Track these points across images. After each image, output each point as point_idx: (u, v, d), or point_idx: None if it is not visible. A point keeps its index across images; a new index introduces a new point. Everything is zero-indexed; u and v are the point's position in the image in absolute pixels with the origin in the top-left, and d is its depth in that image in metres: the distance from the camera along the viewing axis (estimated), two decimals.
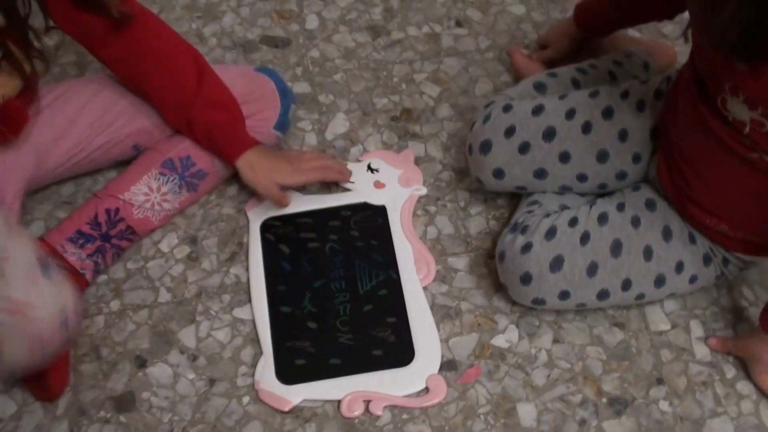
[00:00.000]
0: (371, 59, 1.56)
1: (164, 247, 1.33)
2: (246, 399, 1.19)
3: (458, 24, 1.61)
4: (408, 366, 1.21)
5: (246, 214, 1.35)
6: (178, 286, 1.29)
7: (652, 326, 1.26)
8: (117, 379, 1.20)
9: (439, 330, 1.25)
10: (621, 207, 1.21)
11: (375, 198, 1.36)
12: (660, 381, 1.22)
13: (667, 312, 1.28)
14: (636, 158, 1.24)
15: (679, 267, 1.18)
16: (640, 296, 1.20)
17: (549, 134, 1.23)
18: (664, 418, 1.18)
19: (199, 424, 1.17)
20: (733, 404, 1.20)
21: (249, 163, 1.27)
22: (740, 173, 1.07)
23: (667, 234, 1.18)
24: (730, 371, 1.23)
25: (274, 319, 1.24)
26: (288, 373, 1.20)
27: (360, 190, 1.37)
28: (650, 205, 1.21)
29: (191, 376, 1.21)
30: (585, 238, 1.17)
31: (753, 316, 1.27)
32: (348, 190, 1.37)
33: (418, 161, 1.42)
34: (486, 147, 1.25)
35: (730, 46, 0.94)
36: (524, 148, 1.24)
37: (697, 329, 1.26)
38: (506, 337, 1.25)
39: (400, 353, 1.22)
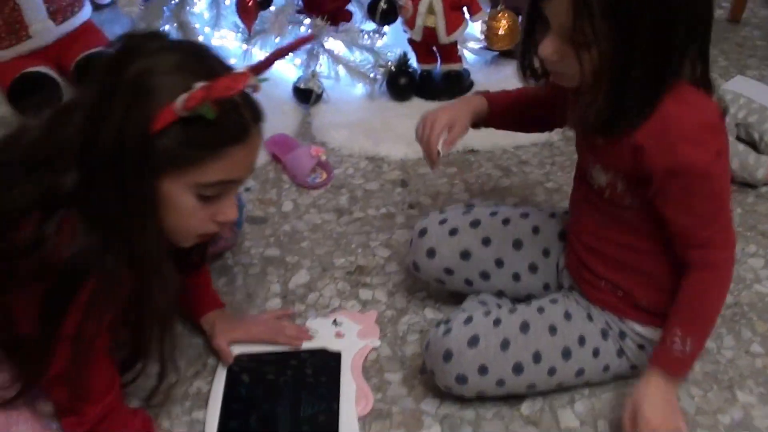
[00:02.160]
0: (334, 232, 1.83)
1: None
2: None
3: (411, 207, 1.89)
4: None
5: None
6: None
7: (563, 423, 1.39)
8: None
9: (366, 428, 1.38)
10: (528, 302, 1.43)
11: (333, 345, 1.53)
12: None
13: (577, 413, 1.41)
14: (545, 253, 1.49)
15: (582, 340, 1.36)
16: (552, 371, 1.35)
17: (475, 223, 1.51)
18: None
19: None
20: None
21: (209, 322, 1.51)
22: (610, 229, 1.34)
23: (567, 315, 1.38)
24: None
25: (223, 416, 1.40)
26: None
27: (322, 338, 1.55)
28: (553, 300, 1.42)
29: None
30: (497, 322, 1.37)
31: None
32: (312, 338, 1.55)
33: (366, 304, 1.63)
34: (423, 232, 1.52)
35: (594, 130, 1.23)
36: (453, 232, 1.50)
37: (602, 425, 1.38)
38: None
39: None
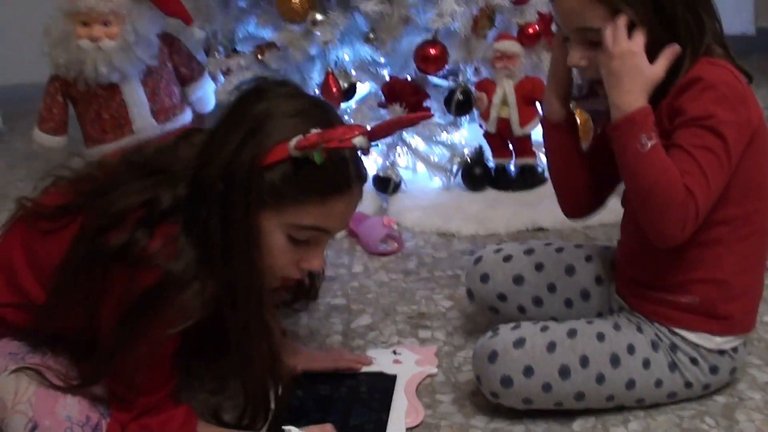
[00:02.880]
0: (400, 288, 1.87)
1: None
2: None
3: None
4: None
5: None
6: None
7: None
8: None
9: None
10: (578, 317, 1.43)
11: (390, 370, 1.55)
12: None
13: (630, 430, 1.36)
14: (598, 280, 1.50)
15: (630, 348, 1.34)
16: (600, 378, 1.32)
17: (529, 251, 1.54)
18: None
19: None
20: None
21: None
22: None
23: (616, 326, 1.37)
24: None
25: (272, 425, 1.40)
26: None
27: (380, 365, 1.57)
28: (602, 317, 1.43)
29: None
30: (545, 328, 1.37)
31: None
32: (371, 363, 1.57)
33: (424, 342, 1.65)
34: (478, 260, 1.56)
35: None
36: (507, 259, 1.53)
37: None
38: None
39: None
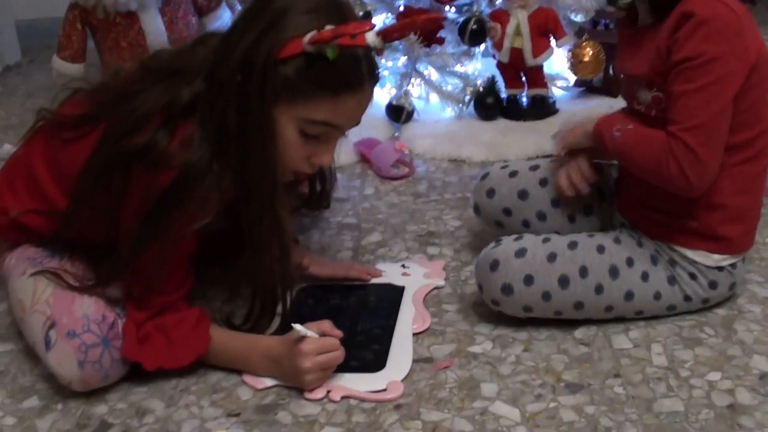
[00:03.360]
0: (410, 209, 1.91)
1: None
2: None
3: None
4: (375, 372, 1.35)
5: None
6: None
7: (615, 345, 1.39)
8: None
9: (420, 342, 1.42)
10: (581, 232, 1.46)
11: (398, 281, 1.59)
12: (617, 375, 1.31)
13: (630, 338, 1.40)
14: (601, 196, 1.54)
15: (630, 261, 1.38)
16: (599, 289, 1.36)
17: (534, 167, 1.58)
18: (617, 397, 1.27)
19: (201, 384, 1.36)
20: (684, 391, 1.27)
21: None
22: None
23: (617, 240, 1.41)
24: (685, 372, 1.31)
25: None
26: None
27: (389, 277, 1.61)
28: (604, 231, 1.47)
29: None
30: (546, 239, 1.40)
31: (713, 345, 1.37)
32: (381, 275, 1.61)
33: (432, 258, 1.69)
34: (485, 176, 1.61)
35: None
36: (513, 174, 1.57)
37: (657, 348, 1.37)
38: (481, 347, 1.40)
39: (373, 365, 1.37)
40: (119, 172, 1.25)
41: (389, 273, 1.62)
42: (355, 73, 1.22)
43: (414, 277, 1.61)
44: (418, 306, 1.51)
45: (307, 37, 1.18)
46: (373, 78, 1.27)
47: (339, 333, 1.33)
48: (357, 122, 1.31)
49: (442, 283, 1.59)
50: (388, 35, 1.20)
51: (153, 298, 1.33)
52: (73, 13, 2.48)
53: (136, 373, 1.35)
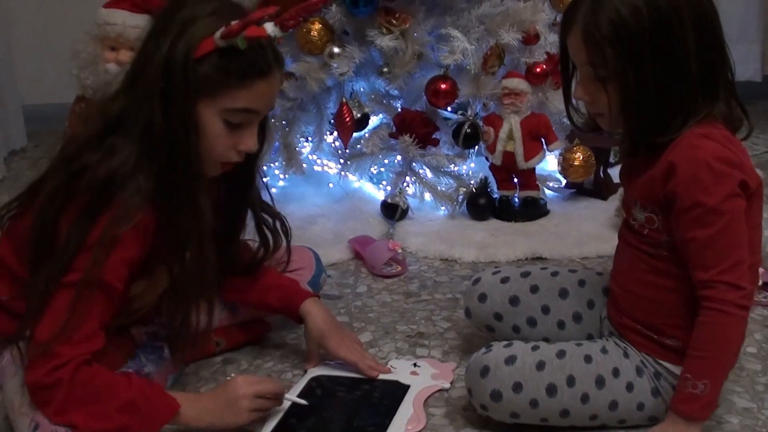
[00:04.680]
0: (401, 308, 1.95)
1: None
2: None
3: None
4: None
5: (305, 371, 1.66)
6: None
7: None
8: None
9: None
10: (570, 339, 1.52)
11: (405, 380, 1.63)
12: None
13: None
14: (590, 304, 1.57)
15: (616, 372, 1.41)
16: (585, 398, 1.39)
17: (525, 274, 1.62)
18: None
19: None
20: None
21: (307, 311, 1.64)
22: (642, 271, 1.41)
23: (604, 350, 1.45)
24: None
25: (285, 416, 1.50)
26: None
27: (398, 374, 1.65)
28: (592, 340, 1.51)
29: None
30: (535, 347, 1.44)
31: None
32: (390, 372, 1.65)
33: (420, 358, 1.73)
34: (477, 281, 1.65)
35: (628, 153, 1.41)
36: (505, 280, 1.61)
37: None
38: None
39: None
40: (61, 197, 1.34)
41: (399, 370, 1.66)
42: (264, 60, 1.37)
43: (422, 377, 1.64)
44: (417, 407, 1.54)
45: (218, 33, 1.32)
46: (279, 63, 1.43)
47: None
48: (272, 105, 1.49)
49: (447, 385, 1.62)
50: (285, 24, 1.35)
51: (66, 349, 1.30)
52: (78, 106, 2.55)
53: None
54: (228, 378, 1.47)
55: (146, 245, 1.39)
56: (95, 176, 1.32)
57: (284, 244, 1.69)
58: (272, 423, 1.48)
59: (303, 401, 1.45)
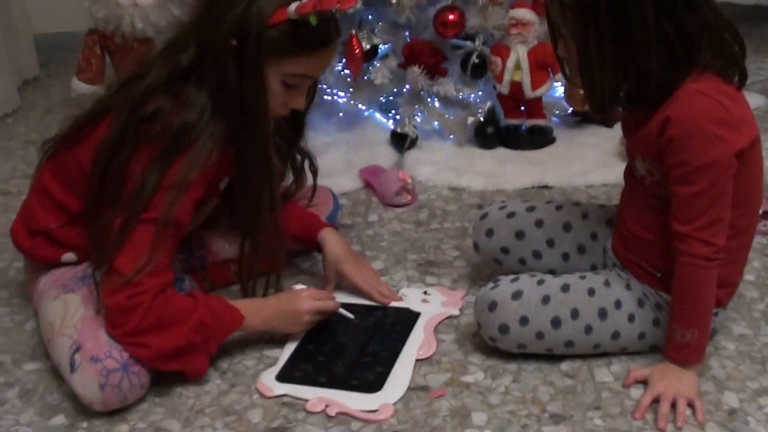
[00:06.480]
0: (411, 237, 2.02)
1: None
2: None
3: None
4: (372, 393, 1.47)
5: None
6: None
7: (598, 378, 1.50)
8: None
9: (417, 370, 1.53)
10: (574, 270, 1.59)
11: (416, 307, 1.71)
12: (597, 408, 1.42)
13: (612, 371, 1.51)
14: (593, 236, 1.64)
15: (618, 304, 1.49)
16: (588, 329, 1.47)
17: (530, 209, 1.68)
18: (596, 429, 1.37)
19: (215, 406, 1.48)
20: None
21: (325, 239, 1.74)
22: (649, 216, 1.47)
23: (606, 283, 1.51)
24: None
25: (302, 342, 1.60)
26: (285, 377, 1.51)
27: (409, 302, 1.73)
28: (596, 272, 1.58)
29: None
30: (541, 282, 1.51)
31: None
32: (401, 300, 1.74)
33: (430, 286, 1.80)
34: (484, 216, 1.72)
35: (621, 104, 1.43)
36: (511, 215, 1.67)
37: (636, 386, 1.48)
38: (474, 377, 1.51)
39: (371, 386, 1.48)
40: (130, 140, 1.43)
41: (410, 298, 1.74)
42: (328, 32, 1.48)
43: (432, 304, 1.72)
44: (428, 333, 1.63)
45: (293, 6, 1.41)
46: (339, 33, 1.53)
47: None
48: (324, 72, 1.61)
49: (456, 312, 1.70)
50: (345, 1, 1.41)
51: (146, 279, 1.40)
52: (92, 38, 2.60)
53: (155, 393, 1.47)
54: (293, 287, 1.62)
55: (209, 185, 1.51)
56: (170, 123, 1.42)
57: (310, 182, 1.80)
58: (290, 348, 1.57)
59: (351, 315, 1.63)
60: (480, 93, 2.54)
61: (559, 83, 2.51)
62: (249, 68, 1.43)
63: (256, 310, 1.55)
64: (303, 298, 1.58)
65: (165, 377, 1.49)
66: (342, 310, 1.63)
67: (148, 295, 1.40)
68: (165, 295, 1.42)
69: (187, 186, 1.43)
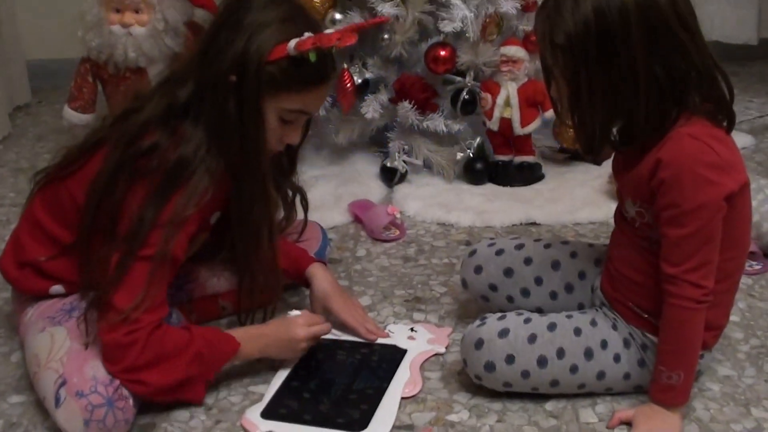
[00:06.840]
0: (399, 273, 2.03)
1: None
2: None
3: None
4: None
5: None
6: None
7: (582, 419, 1.50)
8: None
9: (402, 408, 1.53)
10: (562, 309, 1.60)
11: (403, 344, 1.71)
12: None
13: (597, 412, 1.52)
14: (581, 275, 1.64)
15: (604, 344, 1.49)
16: (574, 369, 1.48)
17: (519, 246, 1.69)
18: None
19: None
20: None
21: (313, 275, 1.75)
22: (639, 258, 1.48)
23: (593, 322, 1.52)
24: None
25: (288, 379, 1.60)
26: (270, 413, 1.51)
27: (396, 339, 1.73)
28: (582, 311, 1.59)
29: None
30: (528, 320, 1.52)
31: None
32: (388, 336, 1.74)
33: (417, 323, 1.81)
34: (473, 253, 1.72)
35: (611, 144, 1.44)
36: (499, 252, 1.68)
37: (620, 427, 1.49)
38: (458, 416, 1.51)
39: (356, 425, 1.48)
40: (126, 174, 1.43)
41: (397, 334, 1.74)
42: (325, 68, 1.50)
43: (418, 341, 1.72)
44: (414, 370, 1.63)
45: (292, 43, 1.42)
46: (335, 71, 1.55)
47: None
48: (319, 108, 1.68)
49: (443, 350, 1.70)
50: (347, 38, 1.44)
51: (144, 316, 1.41)
52: (84, 67, 2.61)
53: (140, 429, 1.47)
54: (289, 315, 1.62)
55: (204, 220, 1.53)
56: (166, 159, 1.42)
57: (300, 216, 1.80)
58: (276, 384, 1.57)
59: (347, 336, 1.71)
60: (469, 128, 2.55)
61: (549, 119, 2.52)
62: (248, 104, 1.45)
63: (252, 338, 1.56)
64: (299, 326, 1.59)
65: (151, 410, 1.49)
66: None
67: (145, 331, 1.40)
68: (161, 331, 1.43)
69: (183, 222, 1.43)
